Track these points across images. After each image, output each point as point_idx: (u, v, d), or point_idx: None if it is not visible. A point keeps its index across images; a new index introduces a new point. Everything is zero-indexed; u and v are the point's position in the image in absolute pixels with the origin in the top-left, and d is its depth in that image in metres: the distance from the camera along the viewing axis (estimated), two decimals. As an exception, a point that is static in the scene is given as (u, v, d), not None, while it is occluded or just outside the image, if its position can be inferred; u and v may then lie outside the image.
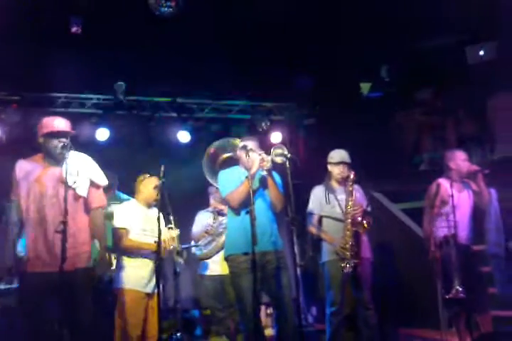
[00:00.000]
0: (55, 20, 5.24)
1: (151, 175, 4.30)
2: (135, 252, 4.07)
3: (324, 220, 4.37)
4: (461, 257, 4.17)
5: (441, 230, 4.33)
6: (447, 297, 4.18)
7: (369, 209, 4.37)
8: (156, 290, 3.95)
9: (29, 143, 3.58)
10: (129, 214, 4.15)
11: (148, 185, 4.25)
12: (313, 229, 4.38)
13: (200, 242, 5.11)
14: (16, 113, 5.86)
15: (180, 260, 4.22)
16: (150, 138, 6.42)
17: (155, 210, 4.22)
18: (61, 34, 5.37)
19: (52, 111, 5.87)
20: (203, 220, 5.14)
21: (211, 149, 4.09)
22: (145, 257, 4.07)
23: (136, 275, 4.02)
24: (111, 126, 6.22)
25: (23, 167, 3.46)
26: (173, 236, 4.11)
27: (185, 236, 5.32)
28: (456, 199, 4.25)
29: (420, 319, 5.24)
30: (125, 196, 4.86)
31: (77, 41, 5.46)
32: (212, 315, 5.24)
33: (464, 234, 4.33)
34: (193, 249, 5.22)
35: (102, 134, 6.18)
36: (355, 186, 4.39)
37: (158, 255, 3.64)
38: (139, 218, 4.15)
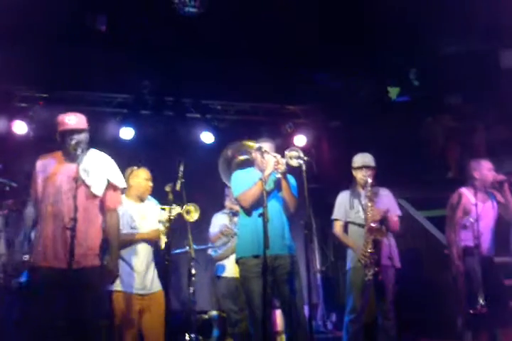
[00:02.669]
0: (81, 18, 5.29)
1: (139, 167, 4.16)
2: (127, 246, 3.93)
3: (350, 226, 4.30)
4: (484, 269, 4.04)
5: (464, 241, 4.20)
6: (471, 312, 4.05)
7: (398, 213, 4.27)
8: (154, 290, 3.91)
9: (55, 141, 3.60)
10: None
11: (137, 178, 4.10)
12: (338, 236, 4.31)
13: (216, 243, 5.10)
14: (43, 110, 5.93)
15: (164, 239, 3.98)
16: (174, 138, 6.41)
17: (150, 202, 4.17)
18: (88, 33, 5.42)
19: (78, 109, 5.92)
20: (219, 221, 5.14)
21: (228, 151, 4.04)
22: (136, 247, 3.94)
23: (125, 275, 3.87)
24: (135, 125, 6.24)
25: (41, 163, 3.51)
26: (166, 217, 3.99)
27: (203, 236, 5.32)
28: (480, 210, 4.13)
29: (442, 330, 5.08)
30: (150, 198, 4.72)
31: (103, 40, 5.50)
32: (228, 317, 5.20)
33: (486, 245, 4.20)
34: (209, 250, 5.20)
35: (127, 133, 6.20)
36: (384, 190, 4.31)
37: (167, 255, 3.59)
38: (127, 216, 4.02)
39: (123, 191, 3.83)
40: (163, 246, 4.02)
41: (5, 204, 4.21)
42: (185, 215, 4.19)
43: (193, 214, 4.27)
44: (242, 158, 3.91)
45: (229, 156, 3.89)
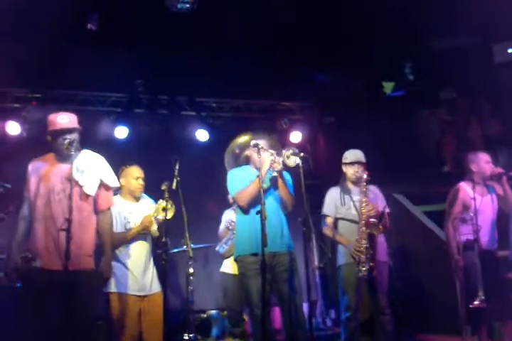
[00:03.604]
0: (74, 17, 5.24)
1: (130, 165, 4.10)
2: (122, 246, 3.87)
3: (340, 222, 4.24)
4: (484, 263, 4.03)
5: (464, 235, 4.18)
6: (470, 306, 4.03)
7: (387, 210, 4.24)
8: (154, 291, 3.88)
9: (47, 141, 3.56)
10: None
11: (128, 177, 4.03)
12: (327, 232, 4.25)
13: (223, 239, 5.05)
14: (36, 110, 5.88)
15: (155, 225, 3.90)
16: (169, 136, 6.38)
17: (146, 201, 4.12)
18: (81, 32, 5.37)
19: (71, 108, 5.88)
20: (225, 218, 5.11)
21: (235, 149, 3.96)
22: (133, 247, 3.88)
23: (123, 276, 3.81)
24: (130, 124, 6.20)
25: (34, 165, 3.48)
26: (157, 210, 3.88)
27: (201, 234, 5.29)
28: (479, 203, 4.11)
29: (440, 325, 5.08)
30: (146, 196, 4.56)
31: (96, 39, 5.46)
32: (229, 316, 5.16)
33: (486, 239, 4.18)
34: (217, 247, 5.15)
35: (121, 132, 6.16)
36: (372, 187, 4.27)
37: (164, 254, 3.54)
38: (122, 216, 3.96)
39: (116, 191, 3.79)
40: (154, 230, 3.91)
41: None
42: (160, 212, 3.92)
43: (169, 212, 3.92)
44: (247, 153, 3.86)
45: (236, 153, 3.85)
